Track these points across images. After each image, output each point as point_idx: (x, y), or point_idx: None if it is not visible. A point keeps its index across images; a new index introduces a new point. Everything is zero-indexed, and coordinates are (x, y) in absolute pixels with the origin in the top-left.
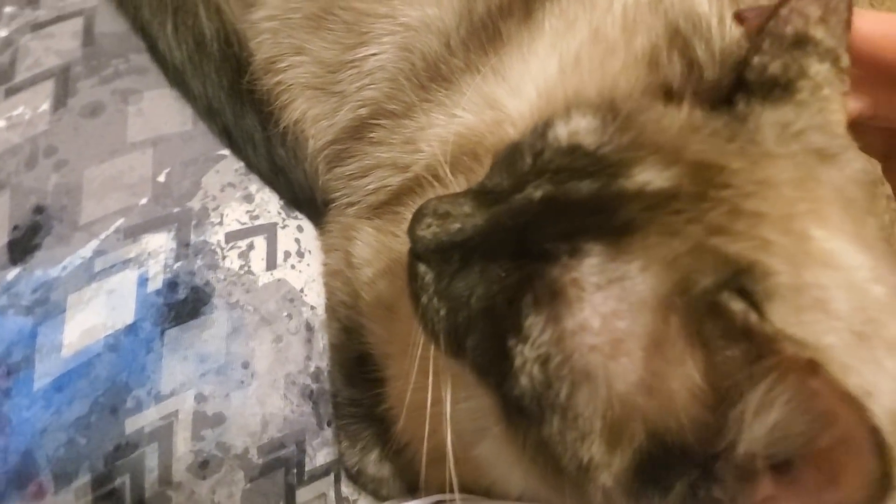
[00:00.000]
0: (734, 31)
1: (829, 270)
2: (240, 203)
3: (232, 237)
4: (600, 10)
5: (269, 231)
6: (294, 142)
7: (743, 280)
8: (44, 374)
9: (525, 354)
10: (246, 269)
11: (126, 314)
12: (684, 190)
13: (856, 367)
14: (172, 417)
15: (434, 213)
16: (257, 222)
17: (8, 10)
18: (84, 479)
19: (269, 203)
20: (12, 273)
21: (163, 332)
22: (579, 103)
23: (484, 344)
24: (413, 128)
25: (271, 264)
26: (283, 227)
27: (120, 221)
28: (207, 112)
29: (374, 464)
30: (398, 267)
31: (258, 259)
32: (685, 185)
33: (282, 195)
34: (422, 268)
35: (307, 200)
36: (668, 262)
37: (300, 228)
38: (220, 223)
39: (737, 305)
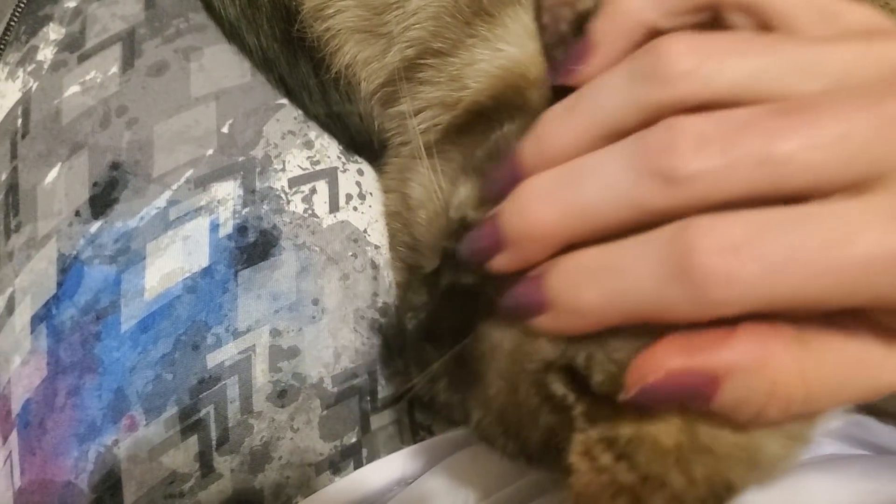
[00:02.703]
0: None
1: None
2: (300, 150)
3: (295, 182)
4: None
5: (330, 175)
6: (347, 86)
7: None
8: (129, 317)
9: None
10: (310, 212)
11: (201, 258)
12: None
13: None
14: (250, 351)
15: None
16: (318, 167)
17: None
18: (172, 411)
19: (328, 148)
20: (95, 226)
21: (236, 274)
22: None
23: None
24: (459, 65)
25: (334, 207)
26: (344, 171)
27: (189, 172)
28: (263, 63)
29: (443, 391)
30: None
31: (321, 202)
32: None
33: (340, 140)
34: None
35: (364, 144)
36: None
37: (360, 172)
38: (283, 169)
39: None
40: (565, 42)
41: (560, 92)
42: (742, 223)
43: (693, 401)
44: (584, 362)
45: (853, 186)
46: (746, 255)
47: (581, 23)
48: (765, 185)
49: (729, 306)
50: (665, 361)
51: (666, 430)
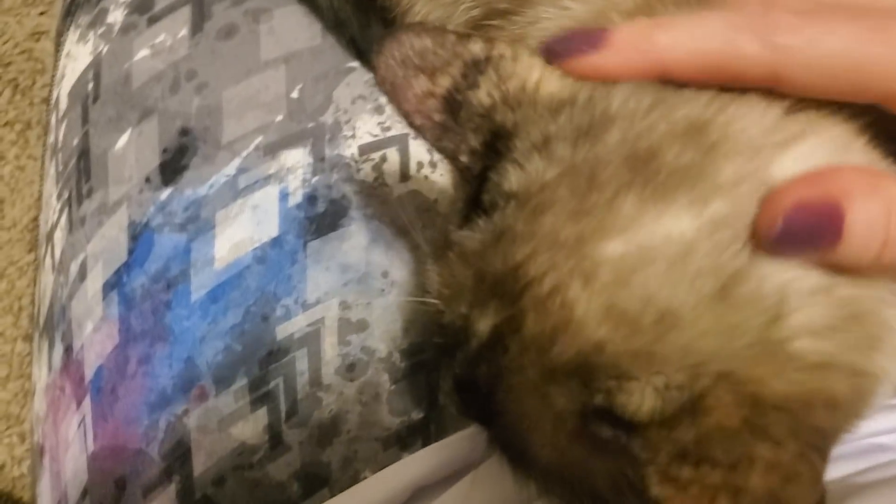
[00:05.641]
0: None
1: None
2: (371, 115)
3: (365, 150)
4: None
5: (401, 142)
6: None
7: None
8: (199, 286)
9: None
10: (380, 181)
11: (271, 228)
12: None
13: None
14: (319, 324)
15: None
16: (389, 134)
17: None
18: (241, 382)
19: None
20: (165, 193)
21: (305, 244)
22: None
23: None
24: (523, 23)
25: (404, 175)
26: (415, 136)
27: (259, 139)
28: (334, 24)
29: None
30: None
31: (391, 171)
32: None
33: None
34: None
35: None
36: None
37: None
38: (353, 136)
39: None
40: (451, 130)
41: None
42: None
43: (824, 238)
44: (604, 402)
45: None
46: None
47: (452, 105)
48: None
49: (790, 55)
50: (793, 192)
51: (725, 413)
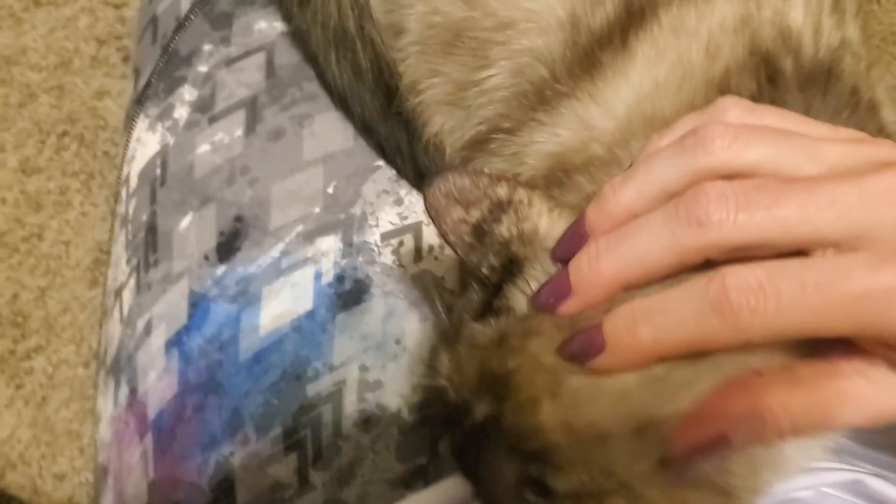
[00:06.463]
0: (832, 38)
1: None
2: (392, 207)
3: (386, 237)
4: (687, 37)
5: (416, 229)
6: (434, 151)
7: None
8: (246, 349)
9: None
10: (397, 262)
11: (306, 302)
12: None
13: None
14: (342, 384)
15: None
16: (406, 222)
17: (206, 47)
18: (277, 430)
19: (416, 205)
20: (221, 269)
21: (334, 317)
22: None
23: None
24: (520, 143)
25: (417, 258)
26: (428, 224)
27: (300, 227)
28: (364, 130)
29: None
30: None
31: (407, 254)
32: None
33: None
34: None
35: None
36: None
37: None
38: (377, 225)
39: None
40: (477, 249)
41: None
42: (762, 268)
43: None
44: (537, 474)
45: (843, 245)
46: (766, 292)
47: (479, 232)
48: (772, 232)
49: (755, 331)
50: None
51: None
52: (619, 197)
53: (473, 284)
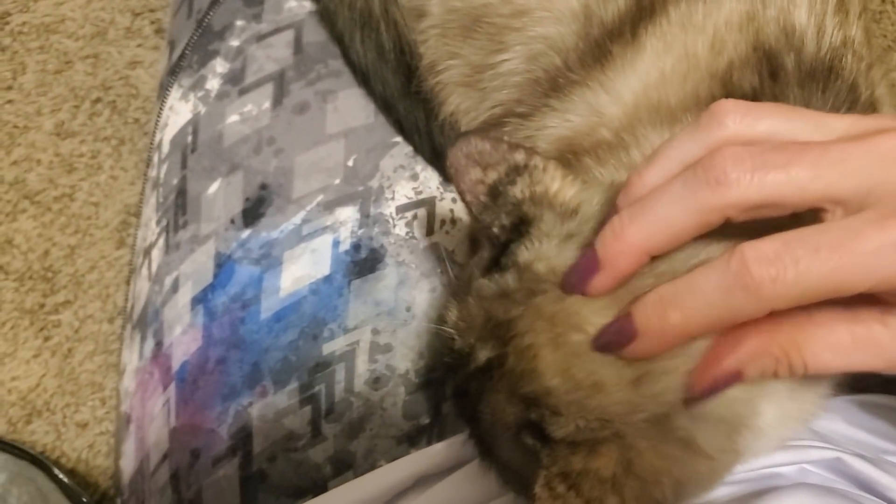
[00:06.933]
0: (835, 38)
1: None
2: (407, 181)
3: (401, 209)
4: (694, 32)
5: (430, 204)
6: (450, 131)
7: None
8: (267, 308)
9: None
10: (410, 234)
11: (324, 268)
12: (493, 359)
13: None
14: (355, 345)
15: None
16: (420, 196)
17: (239, 23)
18: (293, 385)
19: (430, 181)
20: (245, 233)
21: (349, 283)
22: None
23: None
24: (533, 128)
25: (430, 231)
26: (441, 199)
27: (320, 197)
28: (385, 107)
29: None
30: None
31: (420, 227)
32: (493, 353)
33: (440, 174)
34: None
35: None
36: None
37: (454, 200)
38: (392, 198)
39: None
40: (491, 209)
41: None
42: (777, 240)
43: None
44: (537, 418)
45: (851, 203)
46: (784, 261)
47: (494, 192)
48: (787, 190)
49: (779, 300)
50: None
51: (605, 464)
52: (644, 179)
53: (484, 242)
